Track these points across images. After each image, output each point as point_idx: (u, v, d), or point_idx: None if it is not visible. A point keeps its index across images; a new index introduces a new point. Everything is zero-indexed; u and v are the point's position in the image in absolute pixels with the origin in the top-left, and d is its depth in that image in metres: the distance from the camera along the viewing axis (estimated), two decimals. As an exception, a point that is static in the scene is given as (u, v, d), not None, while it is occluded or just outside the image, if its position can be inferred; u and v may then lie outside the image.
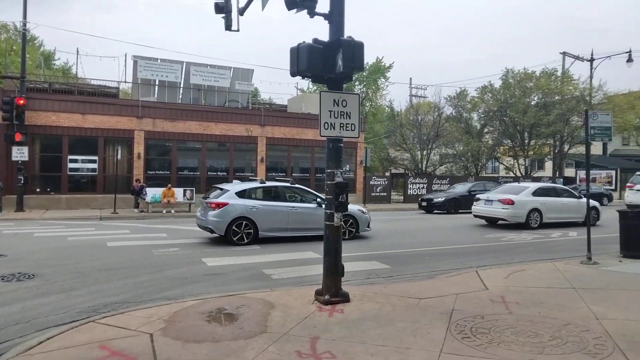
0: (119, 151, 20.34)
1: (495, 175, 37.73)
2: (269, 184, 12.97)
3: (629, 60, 32.68)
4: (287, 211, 11.99)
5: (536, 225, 15.42)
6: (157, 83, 25.03)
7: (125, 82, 26.72)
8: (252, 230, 11.50)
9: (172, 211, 19.36)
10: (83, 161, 21.11)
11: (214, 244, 11.56)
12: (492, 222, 16.62)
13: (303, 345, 4.56)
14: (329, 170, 6.02)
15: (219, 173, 23.72)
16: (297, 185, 13.19)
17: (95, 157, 21.25)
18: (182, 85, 25.50)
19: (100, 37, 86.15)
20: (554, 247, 11.77)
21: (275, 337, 4.77)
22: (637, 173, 23.58)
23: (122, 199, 19.92)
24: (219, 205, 11.43)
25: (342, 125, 5.96)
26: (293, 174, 25.13)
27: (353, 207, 12.92)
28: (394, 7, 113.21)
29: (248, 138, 24.09)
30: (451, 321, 5.29)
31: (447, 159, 38.65)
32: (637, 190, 21.26)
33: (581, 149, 24.94)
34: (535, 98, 33.72)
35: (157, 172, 22.55)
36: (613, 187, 32.50)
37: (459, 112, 37.07)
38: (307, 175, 25.50)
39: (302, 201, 12.51)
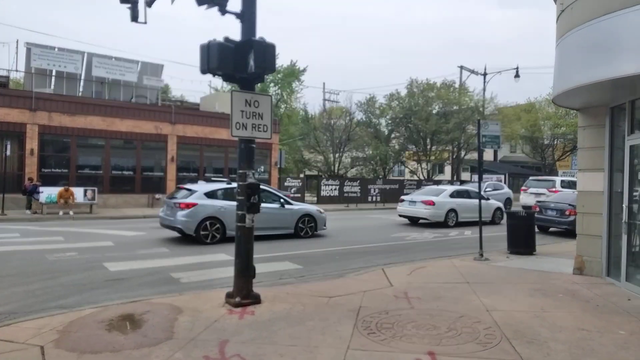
0: (9, 146, 18.28)
1: (401, 178, 39.77)
2: (234, 185, 13.08)
3: (516, 76, 36.19)
4: None
5: (453, 224, 16.83)
6: (54, 74, 23.03)
7: (17, 71, 24.30)
8: (220, 230, 11.65)
9: (71, 212, 17.88)
10: (-37, 157, 18.76)
11: (117, 247, 10.89)
12: (414, 221, 17.86)
13: (211, 350, 4.47)
14: (241, 171, 5.97)
15: (124, 172, 22.38)
16: (262, 186, 13.20)
17: (-21, 153, 18.98)
18: (83, 78, 23.70)
19: (-15, 19, 76.94)
20: (452, 245, 12.70)
21: (182, 343, 4.62)
22: (531, 178, 26.23)
23: (12, 199, 18.07)
24: (188, 206, 11.59)
25: (254, 125, 5.94)
26: (206, 174, 24.47)
27: (312, 208, 14.16)
28: (308, 13, 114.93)
29: (157, 136, 23.00)
30: (358, 318, 5.49)
31: (358, 162, 40.01)
32: (530, 193, 23.73)
33: (476, 155, 27.33)
34: (436, 107, 36.14)
35: (53, 170, 20.69)
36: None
37: (369, 118, 38.59)
38: (221, 175, 24.91)
39: (267, 201, 12.67)
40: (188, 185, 13.20)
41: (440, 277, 7.84)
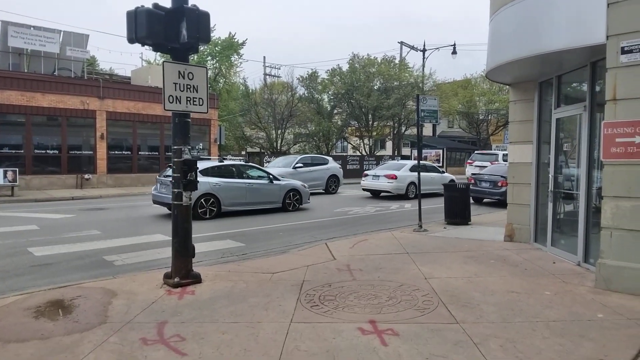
0: None
1: (344, 154, 40.16)
2: (227, 162, 14.22)
3: (454, 52, 37.26)
4: (245, 187, 13.21)
5: (413, 196, 17.48)
6: (-37, 43, 20.84)
7: None
8: (215, 206, 12.27)
9: (-11, 196, 16.52)
10: None
11: (43, 231, 10.19)
12: (376, 194, 18.65)
13: (149, 332, 4.29)
14: (175, 147, 5.69)
15: (49, 151, 20.84)
16: (251, 164, 15.26)
17: None
18: (-2, 48, 21.66)
19: None
20: (392, 217, 13.04)
21: (117, 327, 4.40)
22: (476, 152, 27.44)
23: None
24: None
25: (188, 99, 5.66)
26: (140, 152, 23.39)
27: (297, 183, 15.00)
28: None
29: (84, 112, 21.55)
30: (301, 292, 5.49)
31: (301, 138, 39.87)
32: (475, 166, 24.98)
33: (416, 130, 28.07)
34: (378, 83, 36.52)
35: (-34, 150, 18.94)
36: (441, 164, 37.16)
37: (311, 93, 38.36)
38: (157, 153, 23.92)
39: (256, 178, 13.79)
40: None
41: (381, 249, 8.02)
